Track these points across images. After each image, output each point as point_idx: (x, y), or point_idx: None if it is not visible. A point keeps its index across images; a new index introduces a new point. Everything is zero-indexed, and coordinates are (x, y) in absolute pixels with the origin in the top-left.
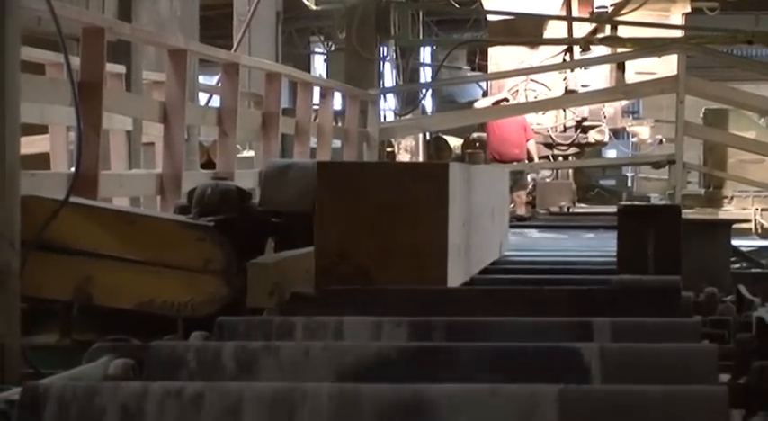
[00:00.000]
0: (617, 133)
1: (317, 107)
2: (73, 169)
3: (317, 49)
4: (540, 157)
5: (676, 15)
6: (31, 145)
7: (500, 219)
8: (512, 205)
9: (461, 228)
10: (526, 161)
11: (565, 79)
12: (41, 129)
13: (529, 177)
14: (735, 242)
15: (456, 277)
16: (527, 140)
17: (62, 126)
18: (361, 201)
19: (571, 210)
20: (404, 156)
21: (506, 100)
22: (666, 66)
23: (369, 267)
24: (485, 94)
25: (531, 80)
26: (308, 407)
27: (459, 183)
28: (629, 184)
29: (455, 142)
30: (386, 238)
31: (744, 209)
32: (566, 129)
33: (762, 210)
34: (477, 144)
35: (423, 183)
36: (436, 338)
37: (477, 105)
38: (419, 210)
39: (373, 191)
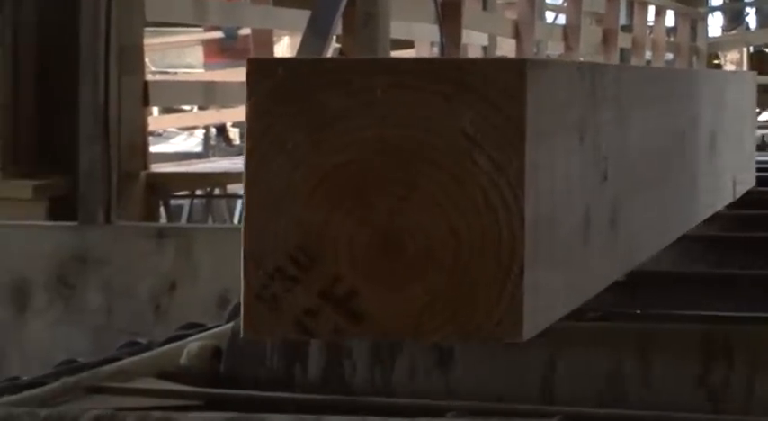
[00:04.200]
0: None
1: (652, 24)
2: None
3: None
4: None
5: None
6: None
7: (734, 146)
8: None
9: (587, 189)
10: None
11: None
12: (408, 45)
13: None
14: None
15: (562, 295)
16: None
17: (426, 41)
18: (339, 143)
19: None
20: (729, 69)
21: None
22: None
23: (356, 288)
24: None
25: None
26: None
27: (581, 98)
28: None
29: None
30: (391, 225)
31: None
32: None
33: None
34: None
35: (468, 103)
36: None
37: None
38: (461, 161)
39: (363, 122)
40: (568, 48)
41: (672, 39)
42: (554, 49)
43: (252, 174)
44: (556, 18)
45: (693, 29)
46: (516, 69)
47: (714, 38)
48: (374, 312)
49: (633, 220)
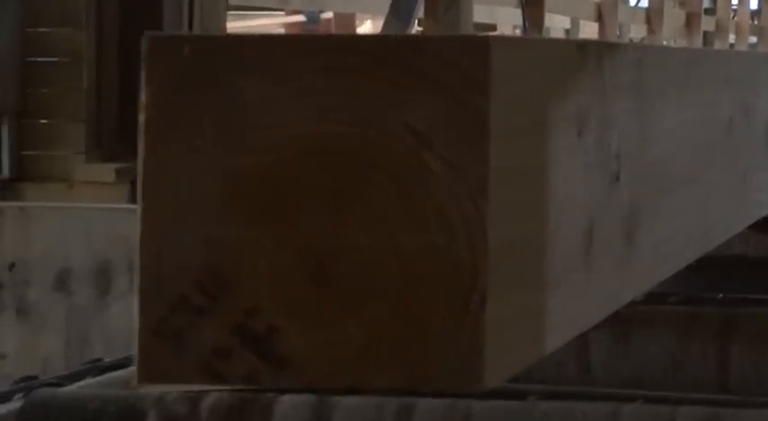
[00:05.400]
0: None
1: (735, 7)
2: None
3: None
4: None
5: None
6: None
7: None
8: None
9: (590, 194)
10: None
11: None
12: (491, 29)
13: None
14: None
15: (550, 327)
16: None
17: (509, 25)
18: (259, 141)
19: None
20: None
21: None
22: None
23: (277, 324)
24: None
25: None
26: None
27: (582, 84)
28: None
29: None
30: (321, 244)
31: None
32: None
33: None
34: None
35: (420, 92)
36: None
37: None
38: (409, 165)
39: (290, 115)
40: (651, 31)
41: (756, 22)
42: (637, 33)
43: (150, 179)
44: (639, 1)
45: None
46: (478, 49)
47: None
48: (300, 354)
49: (659, 228)
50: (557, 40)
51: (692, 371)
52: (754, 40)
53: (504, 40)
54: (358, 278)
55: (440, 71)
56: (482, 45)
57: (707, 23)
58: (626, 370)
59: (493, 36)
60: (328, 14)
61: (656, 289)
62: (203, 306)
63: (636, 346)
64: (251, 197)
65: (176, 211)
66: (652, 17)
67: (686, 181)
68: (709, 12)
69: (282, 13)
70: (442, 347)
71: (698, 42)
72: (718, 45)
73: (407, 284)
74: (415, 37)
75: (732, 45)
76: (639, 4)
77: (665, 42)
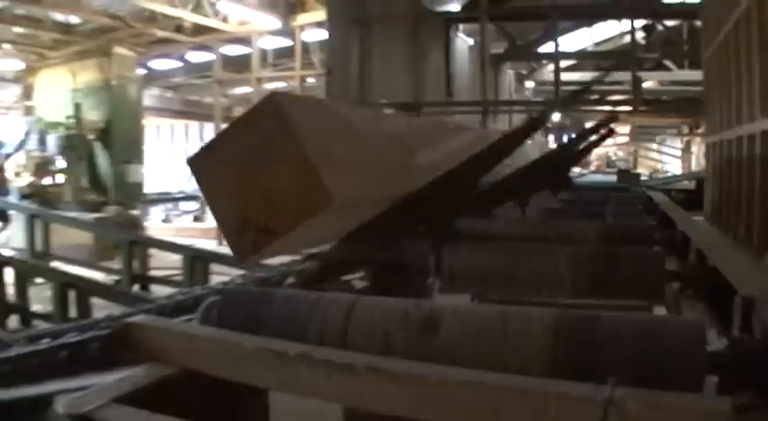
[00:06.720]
0: None
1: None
2: None
3: None
4: None
5: None
6: None
7: None
8: None
9: (395, 161)
10: None
11: None
12: None
13: None
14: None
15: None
16: None
17: None
18: (235, 173)
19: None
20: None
21: None
22: None
23: (267, 222)
24: None
25: None
26: None
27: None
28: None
29: None
30: (268, 192)
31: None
32: None
33: None
34: None
35: (265, 119)
36: None
37: None
38: (279, 143)
39: (238, 157)
40: None
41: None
42: None
43: (209, 200)
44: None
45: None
46: (279, 99)
47: None
48: (276, 228)
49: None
50: (340, 104)
51: None
52: None
53: (293, 98)
54: (285, 198)
55: (270, 111)
56: (275, 100)
57: None
58: None
59: (285, 96)
60: None
61: None
62: (242, 228)
63: None
64: (241, 187)
65: (221, 200)
66: None
67: None
68: None
69: None
70: (317, 187)
71: None
72: None
73: (298, 196)
74: (264, 101)
75: None
76: None
77: None
